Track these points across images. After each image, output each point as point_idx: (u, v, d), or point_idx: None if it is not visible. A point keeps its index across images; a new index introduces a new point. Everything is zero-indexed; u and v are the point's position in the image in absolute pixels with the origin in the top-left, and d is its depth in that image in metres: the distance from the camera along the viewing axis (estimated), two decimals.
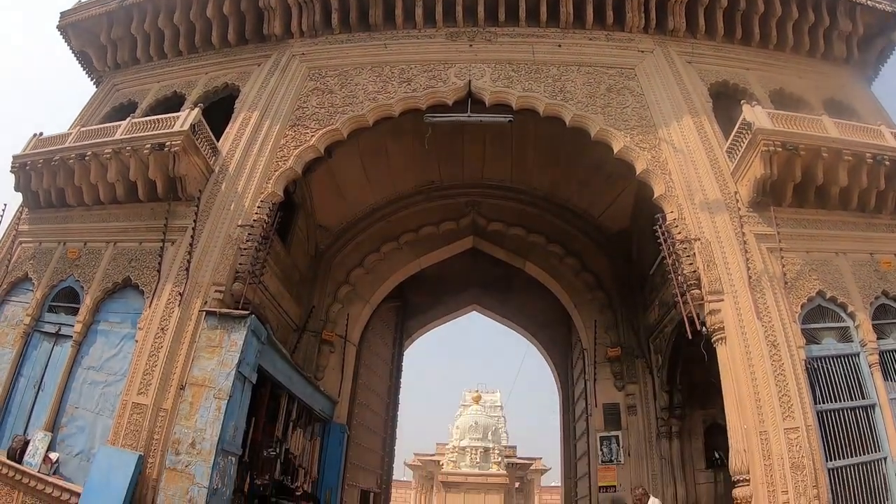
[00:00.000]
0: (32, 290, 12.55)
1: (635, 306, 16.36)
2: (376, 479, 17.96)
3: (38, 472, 10.14)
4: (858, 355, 10.38)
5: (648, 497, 11.65)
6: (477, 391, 42.76)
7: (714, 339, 10.58)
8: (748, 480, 9.37)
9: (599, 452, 14.98)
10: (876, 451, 9.61)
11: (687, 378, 14.54)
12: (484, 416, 39.24)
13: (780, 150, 10.93)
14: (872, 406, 9.95)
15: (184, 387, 9.92)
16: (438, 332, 25.01)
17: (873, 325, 10.56)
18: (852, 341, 10.54)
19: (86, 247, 12.72)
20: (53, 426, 10.87)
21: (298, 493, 12.74)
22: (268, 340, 11.05)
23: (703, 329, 10.72)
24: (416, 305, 21.56)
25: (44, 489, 9.93)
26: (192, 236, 11.59)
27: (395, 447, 19.74)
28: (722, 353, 10.41)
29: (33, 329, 12.16)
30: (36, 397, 11.42)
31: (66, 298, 12.39)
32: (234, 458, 9.77)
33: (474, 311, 23.40)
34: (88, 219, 13.15)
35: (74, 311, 11.97)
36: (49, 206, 13.56)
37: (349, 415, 16.10)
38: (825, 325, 10.69)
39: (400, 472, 36.34)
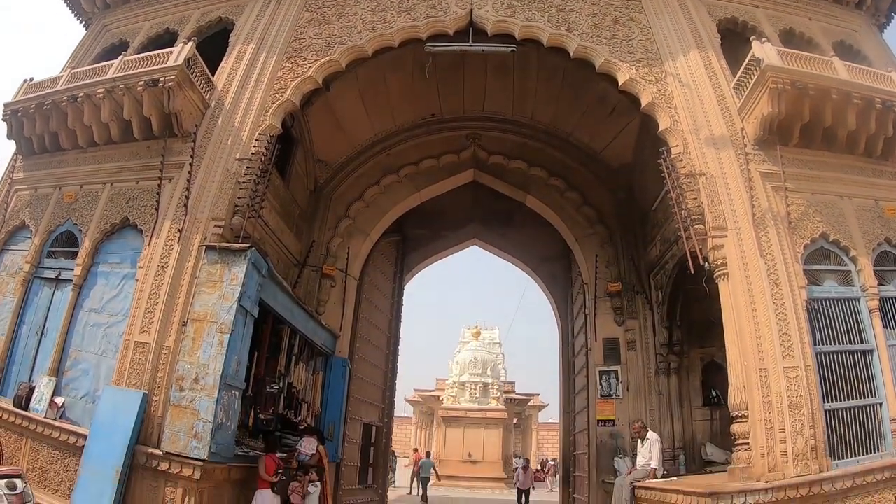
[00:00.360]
0: (30, 237, 12.52)
1: (636, 242, 16.27)
2: (378, 413, 18.22)
3: (45, 417, 10.24)
4: (859, 300, 10.43)
5: (647, 431, 11.87)
6: (476, 327, 43.09)
7: (716, 275, 10.56)
8: (746, 417, 9.50)
9: (598, 387, 15.10)
10: (872, 396, 9.76)
11: (686, 315, 14.60)
12: (483, 352, 39.53)
13: (788, 88, 10.68)
14: (870, 351, 10.07)
15: (186, 323, 9.89)
16: (438, 267, 25.02)
17: (875, 271, 10.56)
18: (853, 286, 10.57)
19: (82, 189, 12.59)
20: (58, 371, 10.97)
21: (302, 427, 12.88)
22: (269, 274, 10.97)
23: (706, 265, 10.67)
24: (416, 239, 21.45)
25: (51, 434, 10.03)
26: (189, 172, 11.42)
27: (397, 382, 19.93)
28: (724, 289, 10.39)
29: (33, 276, 12.19)
30: (39, 343, 11.51)
31: (64, 243, 12.36)
32: (237, 393, 9.80)
33: (474, 246, 23.29)
34: (84, 161, 12.97)
35: (73, 255, 11.94)
36: (43, 151, 13.39)
37: (351, 349, 16.18)
38: (827, 268, 10.68)
39: (400, 409, 36.93)
